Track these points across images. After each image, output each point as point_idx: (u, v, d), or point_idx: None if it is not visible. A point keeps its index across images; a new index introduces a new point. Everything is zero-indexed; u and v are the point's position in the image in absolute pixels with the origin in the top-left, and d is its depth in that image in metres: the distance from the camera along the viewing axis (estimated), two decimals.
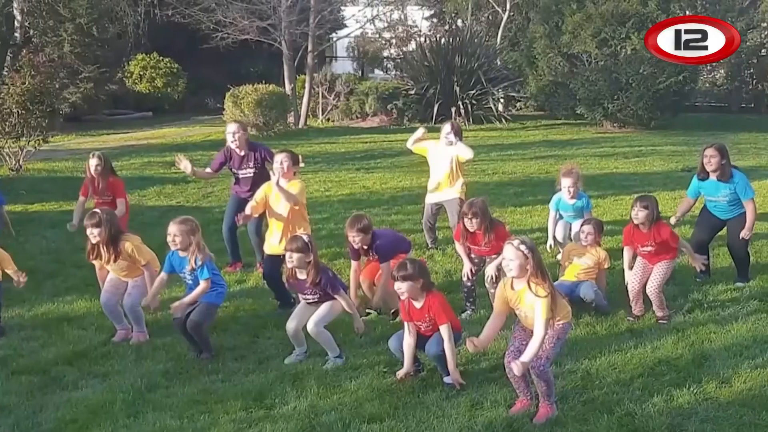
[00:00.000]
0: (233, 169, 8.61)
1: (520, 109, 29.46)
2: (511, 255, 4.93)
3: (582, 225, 7.51)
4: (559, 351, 5.28)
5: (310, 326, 5.95)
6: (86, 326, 6.89)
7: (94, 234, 6.46)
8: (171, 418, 5.12)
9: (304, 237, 6.09)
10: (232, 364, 6.07)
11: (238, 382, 5.73)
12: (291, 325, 6.09)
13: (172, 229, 6.18)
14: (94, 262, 6.86)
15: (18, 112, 14.42)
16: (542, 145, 19.97)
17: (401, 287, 5.47)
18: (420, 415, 5.12)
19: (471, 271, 7.08)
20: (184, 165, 8.29)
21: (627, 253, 7.16)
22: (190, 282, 6.26)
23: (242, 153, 8.51)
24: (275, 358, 6.18)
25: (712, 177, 7.79)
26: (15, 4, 23.62)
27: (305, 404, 5.30)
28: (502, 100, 27.04)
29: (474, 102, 25.32)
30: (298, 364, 6.01)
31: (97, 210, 6.68)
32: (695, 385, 5.49)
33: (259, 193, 7.45)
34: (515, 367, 4.83)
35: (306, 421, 5.05)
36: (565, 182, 8.29)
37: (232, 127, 8.53)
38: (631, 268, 7.07)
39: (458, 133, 9.07)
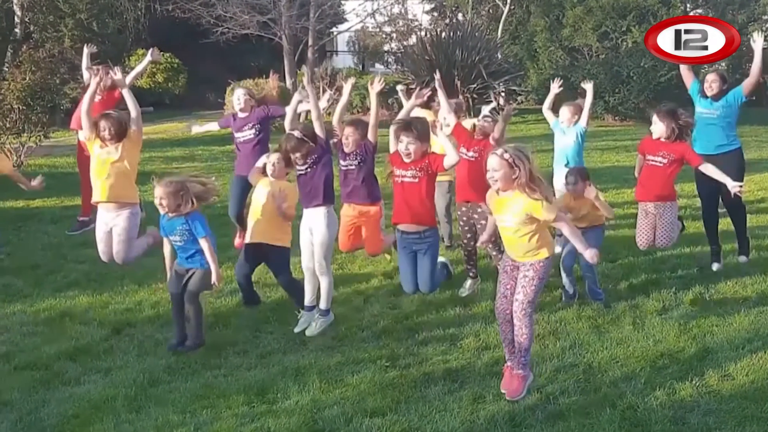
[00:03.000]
0: (234, 133, 8.48)
1: (521, 102, 29.39)
2: (495, 165, 4.84)
3: (566, 176, 7.36)
4: (541, 290, 5.27)
5: (317, 266, 6.09)
6: (88, 321, 6.88)
7: (107, 126, 6.58)
8: (173, 413, 5.12)
9: (295, 133, 6.09)
10: (234, 359, 6.07)
11: (240, 376, 5.73)
12: (307, 261, 6.28)
13: (158, 191, 6.10)
14: (92, 150, 6.83)
15: (19, 108, 14.39)
16: (543, 138, 19.87)
17: (411, 143, 5.62)
18: (422, 409, 5.12)
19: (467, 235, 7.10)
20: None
21: (639, 161, 7.46)
22: (181, 244, 6.17)
23: (244, 115, 8.44)
24: (277, 352, 6.18)
25: (710, 98, 8.04)
26: (15, 0, 23.59)
27: (307, 399, 5.30)
28: (503, 94, 26.99)
29: (475, 96, 25.26)
30: (300, 359, 6.02)
31: (112, 111, 6.91)
32: (698, 379, 5.49)
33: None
34: (589, 257, 4.99)
35: (308, 415, 5.05)
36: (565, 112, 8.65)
37: (238, 92, 8.54)
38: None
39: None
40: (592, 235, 6.95)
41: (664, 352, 5.98)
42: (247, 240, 6.90)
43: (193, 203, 6.09)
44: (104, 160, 6.51)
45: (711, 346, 6.10)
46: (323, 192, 6.10)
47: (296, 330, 6.24)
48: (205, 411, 5.15)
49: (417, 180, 5.56)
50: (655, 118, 6.96)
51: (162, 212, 6.15)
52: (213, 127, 9.08)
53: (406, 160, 5.55)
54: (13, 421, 5.06)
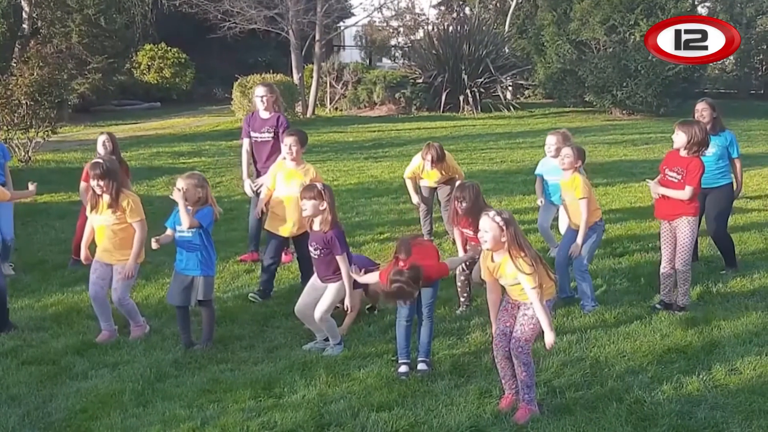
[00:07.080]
0: (252, 133, 8.34)
1: (529, 97, 29.38)
2: (486, 226, 4.87)
3: (563, 149, 7.10)
4: (539, 331, 5.18)
5: (317, 315, 5.95)
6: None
7: (100, 185, 6.28)
8: (180, 408, 5.13)
9: (318, 185, 6.02)
10: (241, 354, 6.08)
11: (247, 371, 5.74)
12: (300, 307, 6.16)
13: (180, 183, 6.14)
14: (88, 215, 6.56)
15: (27, 103, 14.44)
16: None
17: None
18: (429, 403, 5.12)
19: (465, 264, 6.90)
20: (248, 187, 8.39)
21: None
22: (188, 236, 6.15)
23: (265, 116, 8.32)
24: (284, 347, 6.19)
25: None
26: None
27: (314, 393, 5.31)
28: (510, 88, 26.96)
29: (482, 90, 25.27)
30: (307, 353, 6.03)
31: (100, 160, 6.51)
32: (705, 373, 5.48)
33: (269, 178, 7.46)
34: (548, 343, 4.83)
35: (315, 409, 5.05)
36: (550, 140, 8.09)
37: (260, 90, 8.34)
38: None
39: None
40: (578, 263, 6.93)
41: (671, 347, 5.97)
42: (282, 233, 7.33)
43: (208, 198, 6.24)
44: (101, 227, 6.41)
45: (718, 340, 6.09)
46: (332, 273, 6.00)
47: (305, 347, 6.18)
48: (212, 405, 5.16)
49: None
50: (676, 129, 6.82)
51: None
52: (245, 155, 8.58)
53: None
54: (21, 415, 5.08)
